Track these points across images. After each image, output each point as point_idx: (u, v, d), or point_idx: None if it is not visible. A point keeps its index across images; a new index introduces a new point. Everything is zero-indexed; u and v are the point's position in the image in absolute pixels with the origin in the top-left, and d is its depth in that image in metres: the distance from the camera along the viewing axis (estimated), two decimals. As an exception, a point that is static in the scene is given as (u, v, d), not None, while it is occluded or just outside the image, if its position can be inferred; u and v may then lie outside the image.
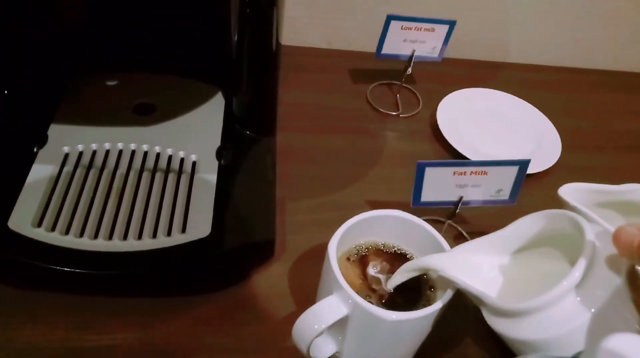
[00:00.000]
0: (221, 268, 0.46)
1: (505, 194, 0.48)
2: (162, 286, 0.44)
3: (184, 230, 0.45)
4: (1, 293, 0.43)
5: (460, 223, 0.55)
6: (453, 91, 0.69)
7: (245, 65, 0.51)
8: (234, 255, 0.45)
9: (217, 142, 0.53)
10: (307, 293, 0.45)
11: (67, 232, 0.44)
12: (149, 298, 0.44)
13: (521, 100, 0.70)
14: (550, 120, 0.68)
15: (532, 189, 0.58)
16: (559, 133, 0.67)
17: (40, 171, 0.48)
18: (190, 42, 0.57)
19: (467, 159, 0.60)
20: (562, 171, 0.63)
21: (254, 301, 0.46)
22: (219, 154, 0.51)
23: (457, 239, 0.54)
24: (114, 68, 0.58)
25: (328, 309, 0.36)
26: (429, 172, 0.46)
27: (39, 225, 0.44)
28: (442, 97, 0.68)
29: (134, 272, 0.42)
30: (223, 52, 0.53)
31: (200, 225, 0.45)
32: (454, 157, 0.62)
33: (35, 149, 0.49)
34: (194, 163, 0.51)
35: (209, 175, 0.50)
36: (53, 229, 0.44)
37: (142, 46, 0.58)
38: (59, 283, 0.42)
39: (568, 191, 0.46)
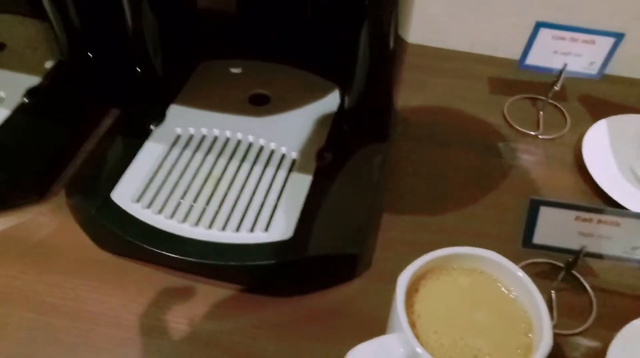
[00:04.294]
0: (295, 275, 0.44)
1: (643, 254, 0.39)
2: (234, 281, 0.44)
3: (267, 229, 0.44)
4: (97, 256, 0.46)
5: (585, 273, 0.46)
6: (611, 115, 0.58)
7: (360, 61, 0.48)
8: (311, 264, 0.43)
9: (321, 142, 0.51)
10: (379, 318, 0.41)
11: (160, 211, 0.45)
12: (222, 289, 0.44)
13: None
14: None
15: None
16: None
17: (151, 149, 0.50)
18: (316, 35, 0.56)
19: (617, 203, 0.50)
20: None
21: (322, 315, 0.43)
22: (319, 155, 0.49)
23: (577, 293, 0.46)
24: (241, 55, 0.59)
25: (383, 349, 0.32)
26: (545, 212, 0.38)
27: (138, 200, 0.46)
28: (596, 121, 0.58)
29: (208, 262, 0.42)
30: (342, 47, 0.51)
31: (284, 227, 0.44)
32: (599, 198, 0.52)
33: (152, 127, 0.52)
34: (293, 161, 0.49)
35: (304, 176, 0.48)
36: (149, 206, 0.45)
37: (270, 36, 0.58)
38: (143, 257, 0.44)
39: None
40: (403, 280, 0.34)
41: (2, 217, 0.49)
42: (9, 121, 0.52)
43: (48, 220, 0.49)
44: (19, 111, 0.53)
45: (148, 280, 0.45)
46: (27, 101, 0.54)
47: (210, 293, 0.44)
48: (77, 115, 0.56)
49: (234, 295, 0.44)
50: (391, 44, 0.46)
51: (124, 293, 0.44)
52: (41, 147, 0.52)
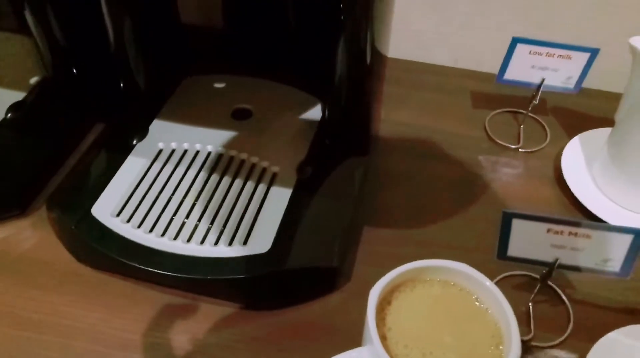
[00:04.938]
0: (274, 288, 0.44)
1: (614, 266, 0.39)
2: (213, 295, 0.44)
3: (245, 242, 0.44)
4: (77, 270, 0.47)
5: (562, 284, 0.46)
6: (589, 128, 0.59)
7: (338, 76, 0.48)
8: (289, 277, 0.43)
9: (302, 155, 0.51)
10: (358, 332, 0.42)
11: (139, 226, 0.45)
12: (201, 303, 0.44)
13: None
14: None
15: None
16: None
17: (133, 164, 0.50)
18: (298, 50, 0.57)
19: (596, 216, 0.51)
20: None
21: (301, 328, 0.43)
22: (300, 168, 0.50)
23: (554, 305, 0.46)
24: (224, 70, 0.60)
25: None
26: (517, 225, 0.39)
27: (118, 215, 0.46)
28: (575, 134, 0.59)
29: (186, 277, 0.42)
30: (323, 61, 0.51)
31: (262, 240, 0.44)
32: (577, 210, 0.53)
33: (134, 142, 0.52)
34: (273, 174, 0.50)
35: (285, 189, 0.48)
36: (128, 221, 0.46)
37: (253, 51, 0.59)
38: (122, 271, 0.44)
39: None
40: (374, 293, 0.34)
41: (-16, 231, 0.49)
42: (-9, 136, 0.52)
43: (29, 234, 0.50)
44: (2, 126, 0.53)
45: (127, 295, 0.45)
46: (10, 116, 0.54)
47: (188, 307, 0.45)
48: (61, 130, 0.56)
49: (212, 309, 0.44)
50: (368, 58, 0.47)
51: (103, 308, 0.44)
52: (24, 162, 0.52)
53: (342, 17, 0.44)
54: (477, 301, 0.36)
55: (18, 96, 0.56)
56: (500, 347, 0.33)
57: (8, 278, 0.46)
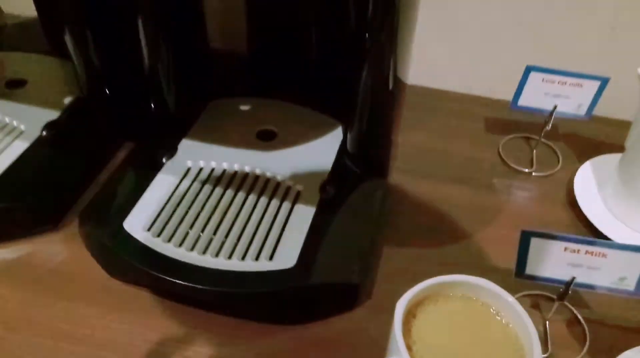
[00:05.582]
0: (298, 303, 0.45)
1: (630, 285, 0.40)
2: (240, 308, 0.46)
3: (271, 258, 0.46)
4: (107, 284, 0.48)
5: (577, 304, 0.48)
6: (600, 153, 0.61)
7: (361, 101, 0.51)
8: (312, 292, 0.45)
9: (325, 176, 0.53)
10: (378, 347, 0.43)
11: (169, 240, 0.47)
12: (225, 318, 0.46)
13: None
14: None
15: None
16: None
17: (163, 181, 0.52)
18: (319, 75, 0.59)
19: (608, 238, 0.52)
20: None
21: (324, 343, 0.45)
22: (323, 188, 0.52)
23: (570, 325, 0.47)
24: (249, 93, 0.62)
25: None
26: (536, 243, 0.41)
27: (149, 229, 0.48)
28: (586, 159, 0.61)
29: (214, 289, 0.44)
30: (345, 86, 0.54)
31: (288, 256, 0.46)
32: (590, 232, 0.54)
33: (164, 160, 0.54)
34: (297, 193, 0.52)
35: (308, 207, 0.50)
36: (159, 235, 0.48)
37: (277, 75, 0.62)
38: (152, 284, 0.46)
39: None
40: (400, 306, 0.35)
41: (19, 245, 0.51)
42: (26, 153, 0.55)
43: (61, 249, 0.52)
44: (37, 144, 0.56)
45: (155, 308, 0.47)
46: (45, 134, 0.57)
47: (214, 321, 0.46)
48: (93, 148, 0.59)
49: (237, 323, 0.46)
50: (391, 85, 0.49)
51: (132, 320, 0.46)
52: (57, 178, 0.55)
53: (366, 46, 0.46)
54: (498, 316, 0.37)
55: (53, 114, 0.59)
56: (522, 359, 0.35)
57: (40, 290, 0.48)
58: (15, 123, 0.58)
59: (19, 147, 0.55)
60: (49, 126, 0.57)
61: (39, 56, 0.68)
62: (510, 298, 0.36)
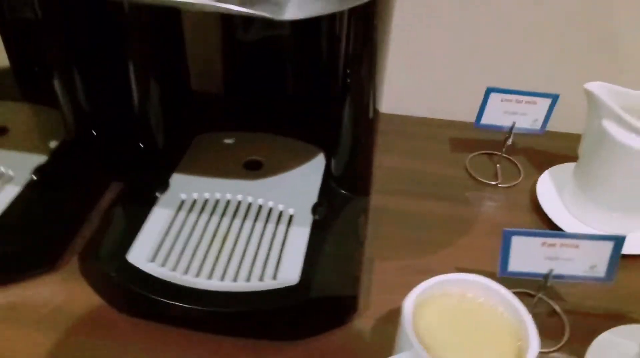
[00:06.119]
0: (304, 316, 0.48)
1: (600, 272, 0.46)
2: (249, 326, 0.48)
3: (275, 277, 0.49)
4: (111, 318, 0.49)
5: (554, 298, 0.53)
6: (555, 164, 0.68)
7: (343, 129, 0.55)
8: (318, 305, 0.48)
9: (314, 198, 0.57)
10: (383, 350, 0.46)
11: (174, 269, 0.49)
12: (235, 339, 0.48)
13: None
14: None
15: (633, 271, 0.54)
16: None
17: (159, 214, 0.54)
18: (297, 106, 0.63)
19: (568, 234, 0.58)
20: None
21: (328, 355, 0.47)
22: (314, 209, 0.55)
23: (550, 316, 0.52)
24: (231, 127, 0.66)
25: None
26: (516, 241, 0.45)
27: (153, 260, 0.50)
28: (544, 170, 0.67)
29: (225, 311, 0.46)
30: (326, 117, 0.58)
31: (290, 273, 0.49)
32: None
33: (157, 194, 0.56)
34: (290, 216, 0.55)
35: (303, 228, 0.53)
36: (164, 265, 0.49)
37: (256, 109, 0.65)
38: (159, 313, 0.48)
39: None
40: (409, 301, 0.39)
41: (18, 288, 0.51)
42: (19, 197, 0.55)
43: (61, 288, 0.52)
44: (28, 188, 0.57)
45: (162, 338, 0.48)
46: (35, 177, 0.58)
47: (228, 344, 0.47)
48: (82, 188, 0.60)
49: (245, 345, 0.47)
50: (371, 114, 0.54)
51: (139, 351, 0.47)
52: (50, 219, 0.55)
53: (348, 80, 0.51)
54: (494, 307, 0.41)
55: (40, 159, 0.60)
56: (519, 343, 0.39)
57: (43, 330, 0.48)
58: (2, 169, 0.58)
59: (11, 191, 0.56)
60: (38, 170, 0.58)
61: (14, 104, 0.69)
62: (502, 290, 0.41)
